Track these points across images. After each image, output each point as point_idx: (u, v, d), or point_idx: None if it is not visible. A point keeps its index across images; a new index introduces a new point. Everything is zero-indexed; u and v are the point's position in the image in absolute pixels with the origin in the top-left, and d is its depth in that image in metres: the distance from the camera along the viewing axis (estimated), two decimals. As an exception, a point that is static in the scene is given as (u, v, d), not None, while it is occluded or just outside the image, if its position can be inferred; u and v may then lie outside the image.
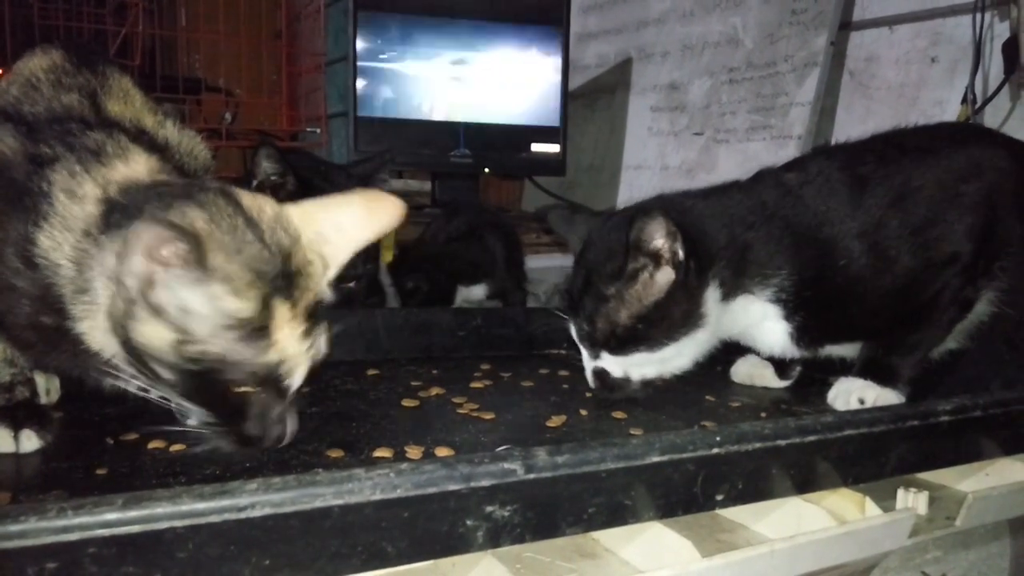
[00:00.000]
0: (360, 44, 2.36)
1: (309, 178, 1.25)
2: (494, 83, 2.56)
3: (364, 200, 0.79)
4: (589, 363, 1.04)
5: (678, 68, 2.75)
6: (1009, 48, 1.84)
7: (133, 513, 0.44)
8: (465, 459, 0.55)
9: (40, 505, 0.44)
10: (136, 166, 0.75)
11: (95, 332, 0.71)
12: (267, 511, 0.48)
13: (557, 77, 2.63)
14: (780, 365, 1.17)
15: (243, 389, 0.69)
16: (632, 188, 2.78)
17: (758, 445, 0.65)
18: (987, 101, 1.91)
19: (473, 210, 1.87)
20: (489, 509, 0.57)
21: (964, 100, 1.99)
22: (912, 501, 0.77)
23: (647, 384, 1.04)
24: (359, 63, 2.36)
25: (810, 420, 0.69)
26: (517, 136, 2.58)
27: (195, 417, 0.72)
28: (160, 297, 0.66)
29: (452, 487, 0.54)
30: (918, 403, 0.79)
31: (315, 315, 0.73)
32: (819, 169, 1.06)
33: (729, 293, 1.02)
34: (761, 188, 1.07)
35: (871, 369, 1.02)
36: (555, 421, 0.91)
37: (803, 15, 2.39)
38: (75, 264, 0.70)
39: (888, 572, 0.80)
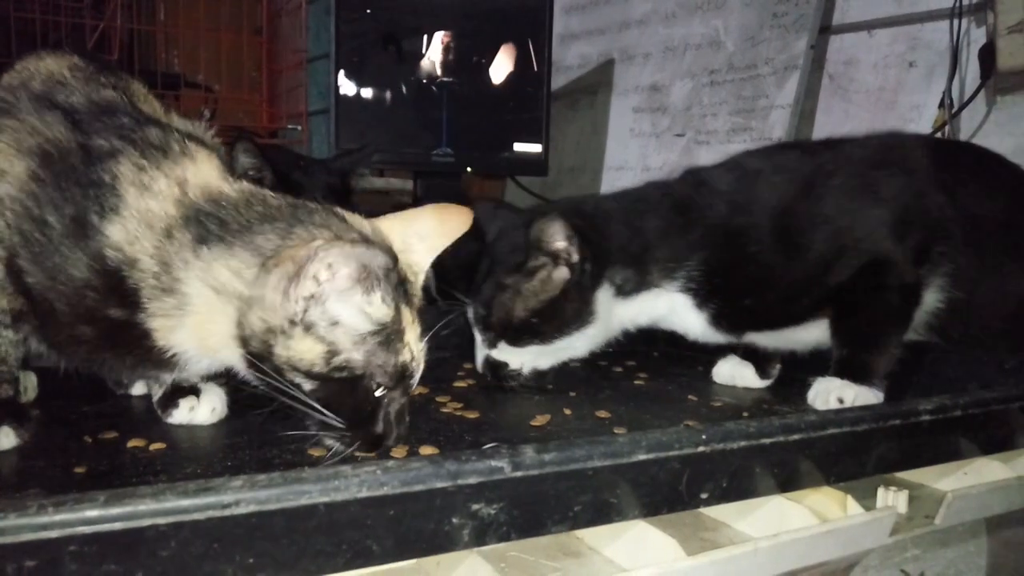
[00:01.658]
0: (342, 42, 2.35)
1: (287, 172, 1.24)
2: (477, 82, 2.56)
3: (436, 211, 0.84)
4: (482, 351, 1.09)
5: (660, 70, 2.77)
6: (985, 54, 1.86)
7: (115, 510, 0.44)
8: (452, 456, 0.55)
9: (19, 502, 0.43)
10: (205, 167, 0.77)
11: (172, 332, 0.73)
12: (252, 508, 0.47)
13: (540, 77, 2.62)
14: (760, 365, 1.18)
15: (379, 392, 0.73)
16: (614, 188, 2.79)
17: (743, 443, 0.65)
18: (963, 106, 1.94)
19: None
20: (475, 507, 0.57)
21: (941, 104, 2.02)
22: (892, 500, 0.77)
23: (540, 374, 1.09)
24: (340, 61, 2.35)
25: (794, 419, 0.69)
26: (499, 135, 2.57)
27: (315, 425, 0.74)
28: (313, 314, 0.70)
29: (439, 484, 0.54)
30: (900, 402, 0.80)
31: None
32: (739, 161, 1.12)
33: (631, 290, 1.07)
34: (677, 184, 1.13)
35: (847, 368, 1.03)
36: (539, 420, 0.91)
37: (784, 18, 2.41)
38: (159, 263, 0.72)
39: (868, 570, 0.80)
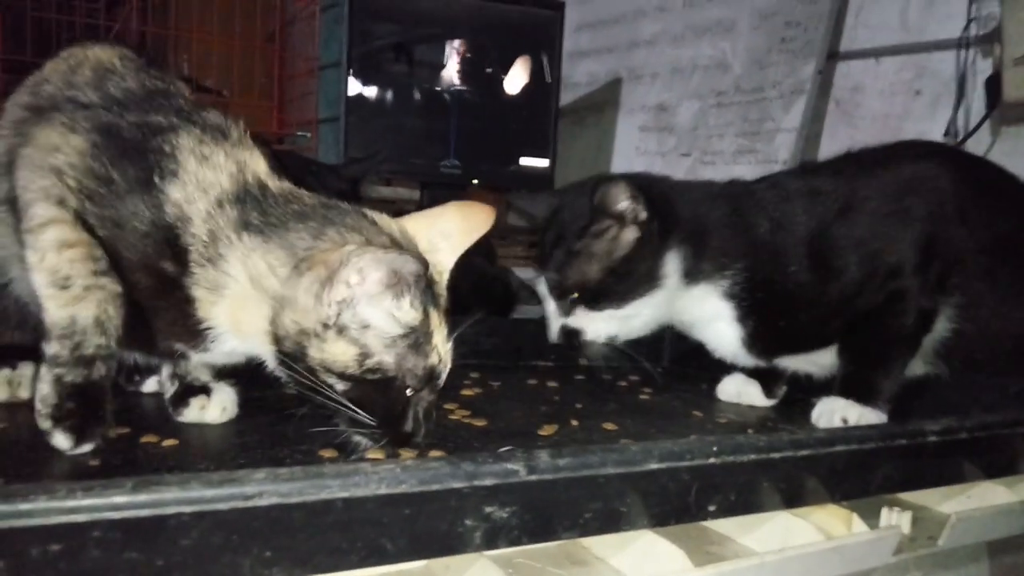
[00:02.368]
0: (353, 51, 2.37)
1: (301, 178, 1.25)
2: (486, 95, 2.58)
3: (459, 208, 0.85)
4: (557, 320, 1.12)
5: (667, 90, 2.79)
6: (991, 84, 1.89)
7: (142, 497, 0.44)
8: (469, 457, 0.56)
9: (49, 485, 0.43)
10: (257, 158, 0.81)
11: (211, 306, 0.76)
12: (273, 500, 0.48)
13: (549, 92, 2.65)
14: (766, 383, 1.18)
15: (409, 392, 0.75)
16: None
17: (753, 457, 0.66)
18: (969, 135, 1.96)
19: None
20: (488, 509, 0.57)
21: (946, 133, 2.04)
22: (896, 520, 0.78)
23: (609, 344, 1.11)
24: (351, 70, 2.37)
25: (803, 435, 0.70)
26: (507, 149, 2.59)
27: (344, 422, 0.76)
28: (345, 318, 0.72)
29: (455, 485, 0.54)
30: (907, 423, 0.81)
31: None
32: (778, 180, 1.15)
33: (689, 273, 1.09)
34: (730, 188, 1.17)
35: (852, 388, 1.04)
36: (547, 430, 0.92)
37: (792, 43, 2.44)
38: (208, 231, 0.75)
39: (870, 588, 0.81)
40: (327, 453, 0.78)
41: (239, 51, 2.48)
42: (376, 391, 0.73)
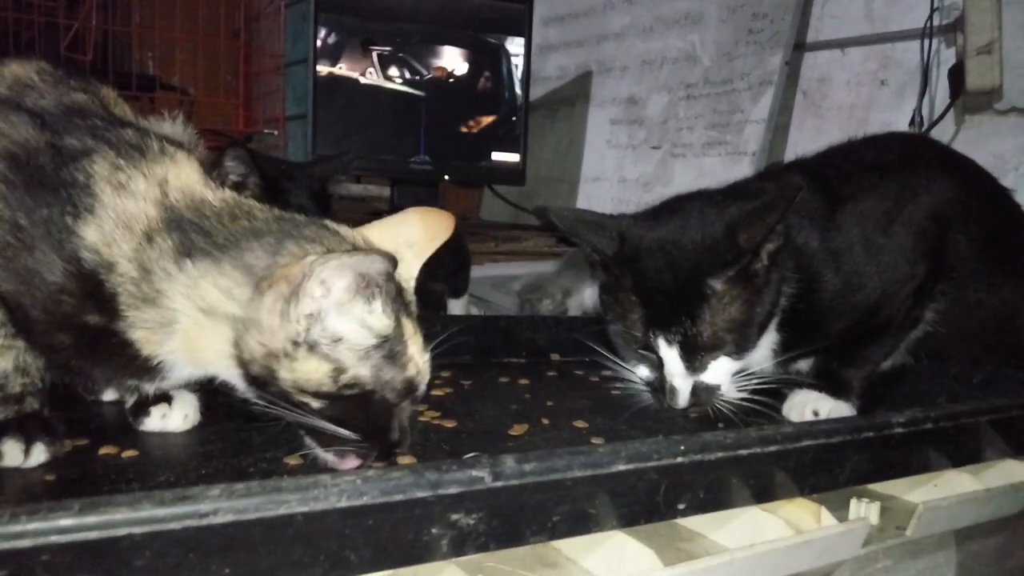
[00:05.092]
0: (320, 47, 2.34)
1: (274, 178, 1.23)
2: (455, 91, 2.56)
3: (422, 216, 0.83)
4: (686, 380, 0.96)
5: (637, 83, 2.79)
6: (955, 74, 1.91)
7: (90, 519, 0.43)
8: (432, 466, 0.55)
9: (-8, 510, 0.42)
10: (185, 169, 0.75)
11: (157, 344, 0.71)
12: (229, 518, 0.47)
13: (518, 86, 2.64)
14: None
15: (390, 403, 0.72)
16: (591, 199, 2.81)
17: (720, 455, 0.66)
18: (933, 124, 1.98)
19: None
20: (454, 517, 0.57)
21: (912, 122, 2.06)
22: (865, 511, 0.78)
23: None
24: (318, 66, 2.34)
25: (771, 431, 0.70)
26: (477, 144, 2.58)
27: (314, 440, 0.73)
28: (315, 333, 0.68)
29: (419, 494, 0.54)
30: (873, 415, 0.82)
31: None
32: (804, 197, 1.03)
33: None
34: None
35: (825, 381, 1.04)
36: (517, 430, 0.91)
37: (759, 35, 2.45)
38: (138, 268, 0.70)
39: (841, 580, 0.81)
40: (292, 460, 0.77)
41: (204, 48, 2.44)
42: (356, 406, 0.70)
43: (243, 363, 0.70)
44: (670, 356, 0.95)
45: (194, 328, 0.70)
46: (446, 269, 1.61)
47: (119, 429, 0.83)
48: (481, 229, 2.48)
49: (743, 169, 2.38)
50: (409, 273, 0.80)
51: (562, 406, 1.05)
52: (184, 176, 0.75)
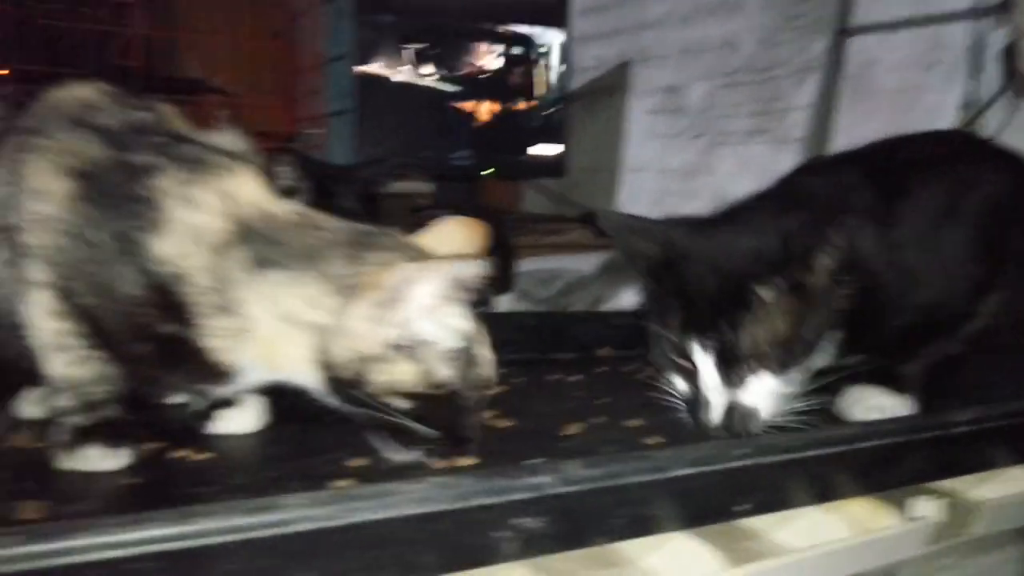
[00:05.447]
0: (361, 44, 2.36)
1: (323, 182, 1.26)
2: (494, 84, 2.57)
3: (460, 225, 0.84)
4: (721, 396, 0.89)
5: (677, 71, 2.77)
6: (1007, 55, 1.86)
7: (188, 528, 0.45)
8: (499, 472, 0.56)
9: (92, 521, 0.44)
10: (250, 183, 0.78)
11: (232, 352, 0.74)
12: (311, 525, 0.48)
13: (557, 78, 2.64)
14: None
15: (466, 403, 0.75)
16: (632, 190, 2.80)
17: (783, 457, 0.66)
18: (984, 107, 1.93)
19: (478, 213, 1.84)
20: (519, 521, 0.58)
21: (962, 106, 2.01)
22: (929, 509, 0.78)
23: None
24: (360, 63, 2.37)
25: (834, 431, 0.70)
26: (517, 138, 2.58)
27: (388, 440, 0.75)
28: (408, 337, 0.72)
29: (486, 501, 0.55)
30: (938, 414, 0.81)
31: None
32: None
33: None
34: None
35: (883, 377, 1.03)
36: (573, 429, 0.92)
37: (802, 20, 2.41)
38: (212, 279, 0.73)
39: (902, 578, 0.81)
40: (356, 463, 0.79)
41: (246, 50, 2.48)
42: (440, 405, 0.74)
43: (328, 368, 0.73)
44: (705, 365, 0.89)
45: (272, 336, 0.73)
46: (491, 267, 1.61)
47: (189, 431, 0.85)
48: (523, 223, 2.48)
49: (788, 157, 2.35)
50: None
51: (615, 403, 1.05)
52: (250, 189, 0.78)
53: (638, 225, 0.97)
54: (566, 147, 2.63)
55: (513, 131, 2.59)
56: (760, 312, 0.86)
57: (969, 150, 1.15)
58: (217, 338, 0.74)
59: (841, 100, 2.33)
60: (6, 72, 2.19)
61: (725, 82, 2.61)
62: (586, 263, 2.22)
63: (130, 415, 0.78)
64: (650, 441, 0.89)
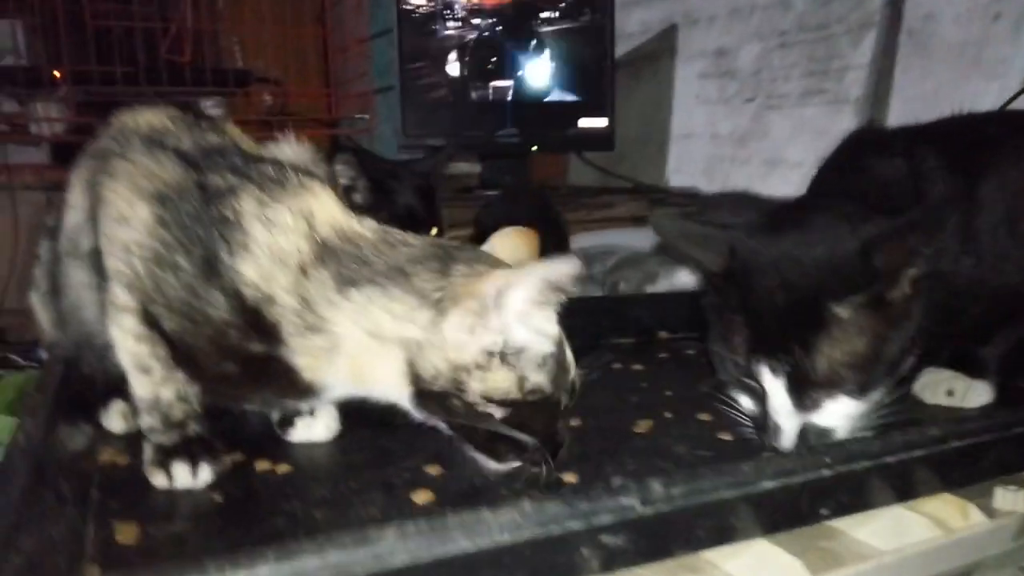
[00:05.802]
0: (404, 23, 2.35)
1: (381, 180, 1.27)
2: (539, 57, 2.54)
3: (514, 236, 0.85)
4: (793, 419, 0.82)
5: (726, 33, 2.69)
6: (1081, 3, 1.76)
7: (285, 567, 0.46)
8: (584, 495, 0.57)
9: (189, 564, 0.46)
10: (326, 201, 0.79)
11: (320, 370, 0.76)
12: (405, 559, 0.50)
13: (603, 49, 2.59)
14: None
15: (557, 407, 0.76)
16: (681, 159, 2.75)
17: (867, 463, 0.65)
18: (1057, 60, 1.84)
19: (528, 195, 1.83)
20: (604, 539, 0.58)
21: (1032, 58, 1.92)
22: (1012, 501, 0.76)
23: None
24: (404, 44, 2.36)
25: (916, 435, 0.69)
26: (564, 112, 2.55)
27: (481, 449, 0.76)
28: (504, 345, 0.72)
29: (572, 526, 0.55)
30: (1017, 407, 0.78)
31: None
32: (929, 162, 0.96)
33: None
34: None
35: (959, 360, 1.01)
36: (642, 426, 0.92)
37: (857, -28, 2.32)
38: (299, 300, 0.74)
39: (987, 571, 0.80)
40: (432, 469, 0.80)
41: (291, 37, 2.49)
42: (534, 411, 0.74)
43: (419, 382, 0.73)
44: (775, 389, 0.81)
45: (362, 352, 0.74)
46: (545, 249, 1.60)
47: (267, 440, 0.88)
48: (571, 197, 2.46)
49: (844, 119, 2.28)
50: None
51: (682, 395, 1.05)
52: (327, 208, 0.78)
53: (696, 232, 0.91)
54: (614, 119, 2.59)
55: (560, 105, 2.56)
56: (836, 332, 0.79)
57: None
58: (305, 356, 0.75)
59: (899, 57, 2.24)
60: (60, 74, 2.23)
61: (777, 42, 2.53)
62: (638, 238, 2.19)
63: (211, 427, 0.81)
64: (723, 437, 0.89)
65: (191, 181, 0.76)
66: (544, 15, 2.55)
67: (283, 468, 0.81)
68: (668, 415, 0.97)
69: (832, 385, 0.80)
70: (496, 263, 0.76)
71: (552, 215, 1.70)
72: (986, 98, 2.04)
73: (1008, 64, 2.01)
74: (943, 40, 2.15)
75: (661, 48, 2.91)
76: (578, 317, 1.37)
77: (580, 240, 2.25)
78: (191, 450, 0.77)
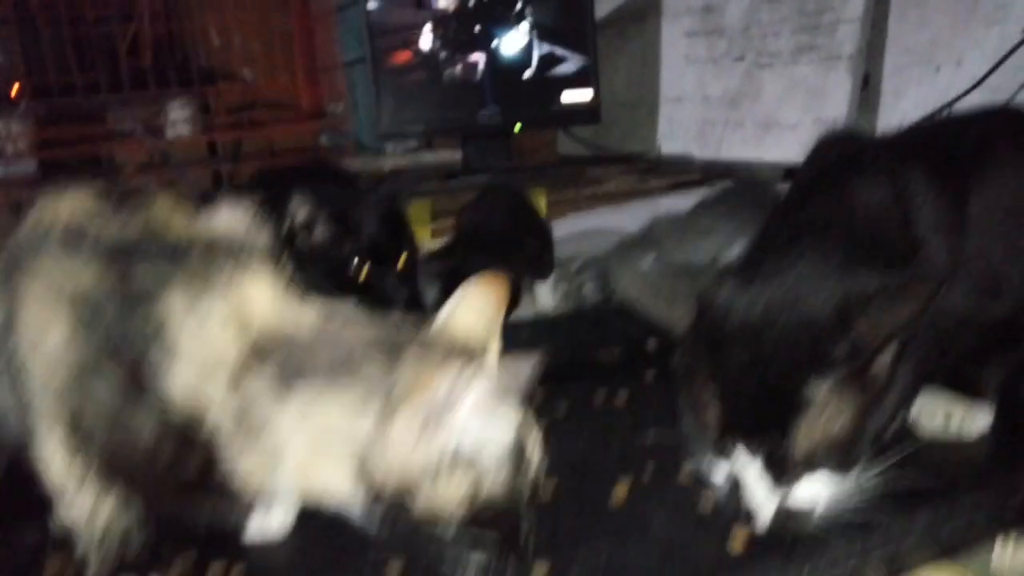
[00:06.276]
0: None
1: (343, 212, 1.20)
2: (516, 29, 2.42)
3: (482, 288, 0.77)
4: (770, 500, 0.75)
5: (712, -14, 2.56)
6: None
7: None
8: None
9: None
10: (262, 287, 0.73)
11: (263, 475, 0.70)
12: None
13: (583, 17, 2.47)
14: None
15: (519, 503, 0.70)
16: (673, 123, 2.65)
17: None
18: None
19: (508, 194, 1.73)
20: None
21: (1033, 5, 1.81)
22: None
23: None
24: (374, 29, 2.26)
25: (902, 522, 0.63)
26: (546, 85, 2.45)
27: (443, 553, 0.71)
28: (455, 448, 0.66)
29: None
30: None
31: None
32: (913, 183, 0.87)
33: None
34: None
35: (954, 382, 0.95)
36: (620, 492, 0.86)
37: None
38: (238, 401, 0.68)
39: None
40: (394, 567, 0.76)
41: (258, 31, 2.39)
42: (493, 511, 0.69)
43: (372, 488, 0.68)
44: (751, 469, 0.75)
45: (308, 454, 0.69)
46: (526, 253, 1.54)
47: (220, 539, 0.82)
48: (558, 179, 2.37)
49: (839, 77, 2.19)
50: (490, 350, 0.75)
51: (666, 430, 0.98)
52: (263, 295, 0.72)
53: (663, 284, 0.84)
54: (599, 90, 2.48)
55: (541, 79, 2.45)
56: (814, 411, 0.71)
57: None
58: (248, 462, 0.70)
59: (893, 7, 2.12)
60: (17, 87, 2.16)
61: (765, -5, 2.41)
62: (630, 218, 2.11)
63: (158, 529, 0.77)
64: (702, 512, 0.82)
65: (114, 280, 0.70)
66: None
67: (237, 569, 0.77)
68: (649, 471, 0.91)
69: (812, 464, 0.73)
70: (450, 348, 0.70)
71: (532, 218, 1.63)
72: (986, 44, 1.93)
73: (1007, 10, 1.90)
74: (937, -13, 2.04)
75: (646, 6, 2.78)
76: (560, 332, 1.33)
77: (570, 223, 2.18)
78: (137, 563, 0.74)
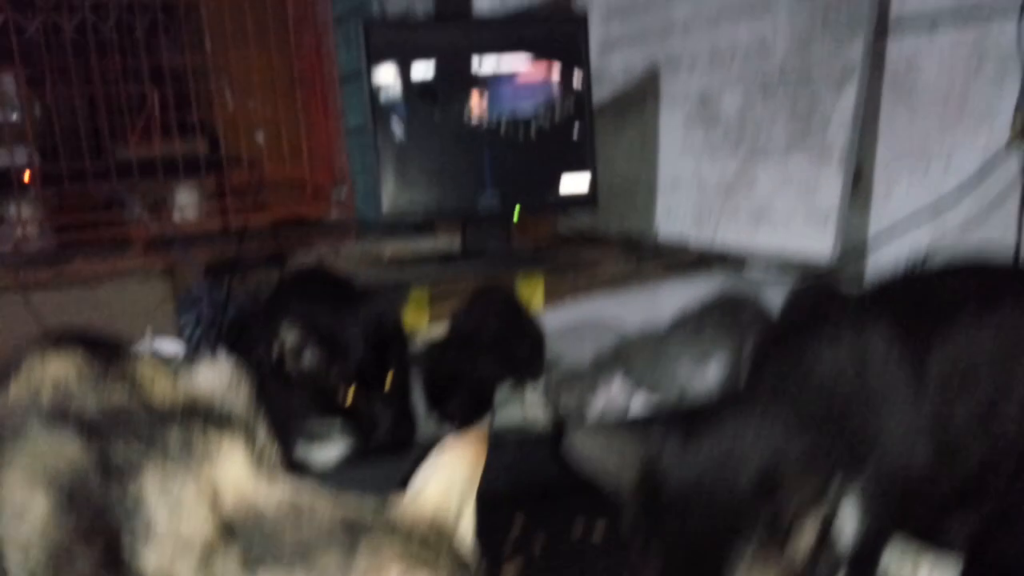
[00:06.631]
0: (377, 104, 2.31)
1: (332, 336, 1.23)
2: (517, 119, 2.49)
3: (455, 450, 0.78)
4: None
5: (708, 78, 2.63)
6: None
7: None
8: None
9: None
10: (236, 463, 0.74)
11: None
12: None
13: (581, 105, 2.54)
14: None
15: None
16: (670, 210, 2.70)
17: None
18: (1040, 115, 1.78)
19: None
20: None
21: (1017, 107, 1.85)
22: None
23: None
24: (378, 120, 2.32)
25: None
26: (544, 169, 2.50)
27: None
28: None
29: None
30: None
31: None
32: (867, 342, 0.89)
33: None
34: None
35: (923, 533, 0.96)
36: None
37: (837, 16, 2.25)
38: None
39: None
40: None
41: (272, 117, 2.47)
42: None
43: None
44: None
45: None
46: (517, 356, 1.57)
47: None
48: (556, 260, 2.42)
49: (831, 171, 2.22)
50: (465, 528, 0.77)
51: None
52: (234, 472, 0.74)
53: (618, 439, 0.84)
54: (596, 176, 2.53)
55: (540, 166, 2.50)
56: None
57: (1001, 279, 1.03)
58: None
59: (883, 105, 2.17)
60: (28, 176, 2.23)
61: (760, 89, 2.47)
62: (626, 309, 2.15)
63: None
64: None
65: (93, 458, 0.73)
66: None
67: None
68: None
69: None
70: (405, 546, 0.70)
71: (523, 322, 1.66)
72: (976, 143, 1.98)
73: (994, 113, 1.95)
74: (926, 88, 2.09)
75: (644, 92, 2.85)
76: (544, 448, 1.33)
77: (566, 312, 2.21)
78: None
